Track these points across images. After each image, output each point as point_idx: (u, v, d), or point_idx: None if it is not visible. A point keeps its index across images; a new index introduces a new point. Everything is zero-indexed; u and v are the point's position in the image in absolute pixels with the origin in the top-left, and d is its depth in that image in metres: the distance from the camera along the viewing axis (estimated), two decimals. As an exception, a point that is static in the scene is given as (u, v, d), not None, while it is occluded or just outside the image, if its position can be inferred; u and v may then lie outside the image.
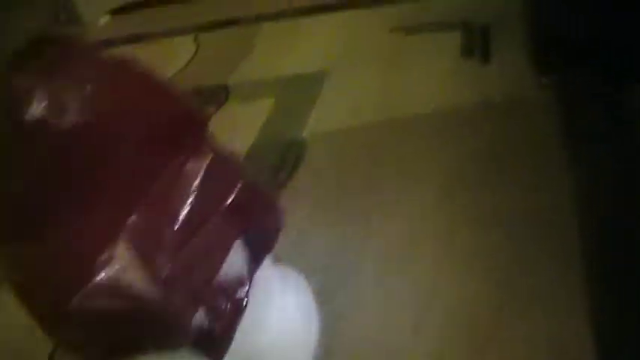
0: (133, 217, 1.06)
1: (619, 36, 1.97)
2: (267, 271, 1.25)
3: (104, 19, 3.40)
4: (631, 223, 1.52)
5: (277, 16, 2.95)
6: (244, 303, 1.16)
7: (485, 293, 1.48)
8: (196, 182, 1.12)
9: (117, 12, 3.41)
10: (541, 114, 1.95)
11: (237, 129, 2.21)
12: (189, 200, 1.11)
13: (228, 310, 1.13)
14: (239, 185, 1.17)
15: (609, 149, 1.76)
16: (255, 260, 1.22)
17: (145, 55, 2.94)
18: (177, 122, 1.17)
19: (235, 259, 1.17)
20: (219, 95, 2.42)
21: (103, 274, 1.01)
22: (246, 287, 1.17)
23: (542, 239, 1.55)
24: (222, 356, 1.13)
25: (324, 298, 1.50)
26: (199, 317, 1.10)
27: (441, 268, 1.56)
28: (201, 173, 1.13)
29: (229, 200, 1.16)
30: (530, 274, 1.49)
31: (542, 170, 1.75)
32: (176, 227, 1.09)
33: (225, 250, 1.15)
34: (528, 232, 1.58)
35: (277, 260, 1.38)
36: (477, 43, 2.38)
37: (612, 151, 1.75)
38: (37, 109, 1.01)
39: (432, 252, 1.62)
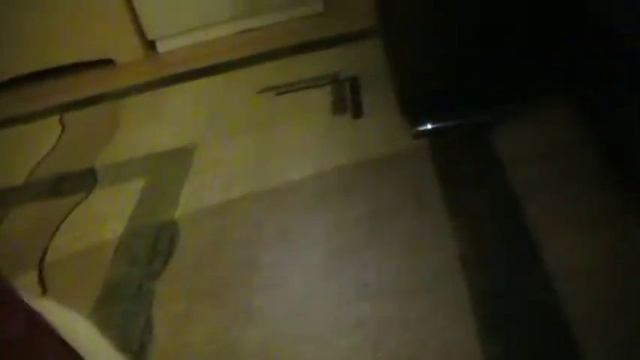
0: None
1: (479, 78, 2.00)
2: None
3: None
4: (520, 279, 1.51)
5: (142, 88, 2.86)
6: None
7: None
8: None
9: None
10: (416, 165, 1.94)
11: (106, 216, 2.08)
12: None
13: None
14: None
15: (485, 195, 1.76)
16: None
17: (9, 140, 2.80)
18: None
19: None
20: (86, 181, 2.29)
21: None
22: None
23: (432, 299, 1.51)
24: None
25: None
26: None
27: (327, 340, 1.49)
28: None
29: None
30: (418, 342, 1.43)
31: (425, 226, 1.72)
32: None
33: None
34: (415, 296, 1.53)
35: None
36: (348, 97, 2.36)
37: (488, 196, 1.75)
38: None
39: (319, 323, 1.54)
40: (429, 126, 2.06)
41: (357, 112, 2.26)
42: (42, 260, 1.98)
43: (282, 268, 1.72)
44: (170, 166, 2.25)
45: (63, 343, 0.91)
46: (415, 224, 1.74)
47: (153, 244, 1.89)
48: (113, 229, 2.00)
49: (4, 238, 2.20)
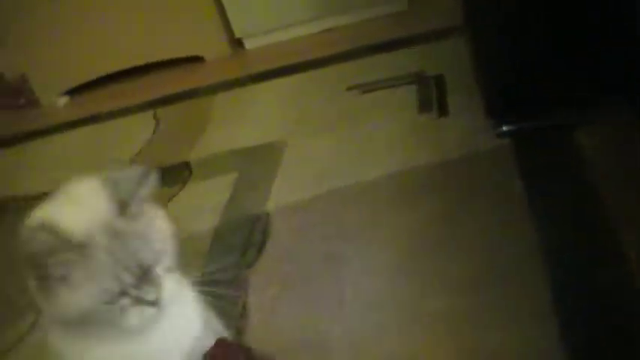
0: None
1: (564, 81, 2.02)
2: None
3: (62, 101, 3.40)
4: (598, 273, 1.54)
5: (230, 85, 2.97)
6: None
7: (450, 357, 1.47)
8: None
9: (74, 92, 3.40)
10: (499, 165, 1.97)
11: (202, 208, 2.19)
12: None
13: None
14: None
15: (567, 195, 1.78)
16: None
17: (107, 134, 2.94)
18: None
19: None
20: (182, 173, 2.41)
21: None
22: None
23: (509, 299, 1.54)
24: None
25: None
26: None
27: (410, 341, 1.54)
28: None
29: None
30: (497, 338, 1.47)
31: (506, 224, 1.75)
32: None
33: None
34: (493, 292, 1.57)
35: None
36: (433, 95, 2.40)
37: (570, 197, 1.77)
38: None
39: (398, 314, 1.60)
40: (513, 126, 2.09)
41: (443, 111, 2.30)
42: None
43: (364, 262, 1.79)
44: (261, 162, 2.34)
45: None
46: (495, 223, 1.77)
47: (248, 235, 1.99)
48: (208, 220, 2.10)
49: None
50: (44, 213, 0.96)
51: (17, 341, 1.97)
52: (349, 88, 2.60)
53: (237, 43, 3.30)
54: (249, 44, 3.28)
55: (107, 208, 0.95)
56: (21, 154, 3.05)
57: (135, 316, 0.95)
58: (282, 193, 2.14)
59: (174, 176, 2.41)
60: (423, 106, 2.37)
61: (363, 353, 1.54)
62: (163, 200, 2.28)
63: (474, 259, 1.68)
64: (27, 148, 3.07)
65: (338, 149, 2.28)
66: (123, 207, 0.95)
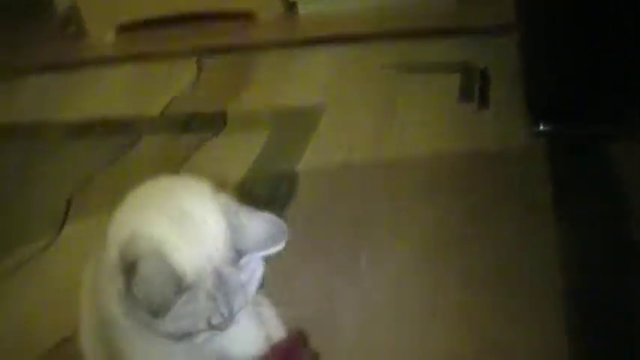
0: None
1: (608, 90, 2.02)
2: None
3: (110, 36, 3.42)
4: (617, 285, 1.55)
5: (278, 45, 2.99)
6: None
7: (468, 349, 1.49)
8: None
9: (123, 30, 3.43)
10: (534, 165, 1.97)
11: (231, 158, 2.22)
12: None
13: None
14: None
15: (598, 208, 1.78)
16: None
17: (149, 74, 2.97)
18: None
19: None
20: (216, 123, 2.43)
21: None
22: None
23: (528, 298, 1.56)
24: None
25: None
26: None
27: (425, 321, 1.56)
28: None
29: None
30: (514, 334, 1.49)
31: (532, 226, 1.76)
32: None
33: None
34: (513, 290, 1.59)
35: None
36: (476, 87, 2.40)
37: (601, 211, 1.77)
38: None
39: (417, 303, 1.62)
40: (551, 128, 2.10)
41: (483, 103, 2.31)
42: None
43: (385, 243, 1.81)
44: (297, 124, 2.36)
45: None
46: (520, 221, 1.78)
47: (273, 190, 2.02)
48: (236, 171, 2.13)
49: (133, 161, 2.37)
50: (156, 233, 0.91)
51: (20, 264, 2.05)
52: (394, 67, 2.61)
53: (290, 7, 3.30)
54: (302, 9, 3.28)
55: (222, 253, 0.91)
56: (67, 80, 3.07)
57: (203, 338, 0.95)
58: (313, 157, 2.17)
59: (209, 124, 2.44)
60: (464, 95, 2.38)
61: (373, 335, 1.56)
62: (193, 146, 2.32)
63: (496, 256, 1.69)
64: (73, 76, 3.09)
65: (374, 124, 2.29)
66: (237, 258, 0.91)
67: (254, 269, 0.95)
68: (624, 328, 1.45)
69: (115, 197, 2.21)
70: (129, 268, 0.88)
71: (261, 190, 2.03)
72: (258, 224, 0.94)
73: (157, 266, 0.87)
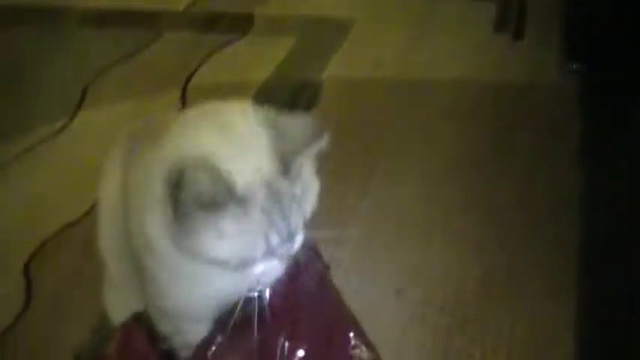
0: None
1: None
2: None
3: None
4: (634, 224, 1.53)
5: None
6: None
7: (472, 272, 1.48)
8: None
9: None
10: (562, 103, 1.93)
11: (254, 62, 2.17)
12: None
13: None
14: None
15: (623, 149, 1.75)
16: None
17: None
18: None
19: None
20: (242, 24, 2.37)
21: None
22: None
23: (539, 228, 1.55)
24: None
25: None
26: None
27: (431, 244, 1.55)
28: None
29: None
30: (520, 262, 1.49)
31: (553, 159, 1.74)
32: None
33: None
34: (525, 220, 1.58)
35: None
36: (512, 18, 2.33)
37: (625, 153, 1.74)
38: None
39: (425, 225, 1.60)
40: (585, 68, 2.04)
41: (518, 34, 2.24)
42: (187, 81, 2.10)
43: (402, 163, 1.78)
44: (325, 34, 2.30)
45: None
46: (542, 153, 1.76)
47: (294, 96, 1.98)
48: (258, 73, 2.09)
49: (154, 55, 2.32)
50: (204, 144, 0.87)
51: (32, 147, 2.03)
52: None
53: None
54: None
55: (270, 164, 0.86)
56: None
57: (261, 266, 0.91)
58: (338, 69, 2.12)
59: (234, 26, 2.38)
60: (500, 25, 2.31)
61: (379, 250, 1.55)
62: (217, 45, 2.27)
63: (511, 189, 1.67)
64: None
65: (404, 43, 2.24)
66: (285, 167, 0.86)
67: (307, 182, 0.90)
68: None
69: (130, 90, 2.21)
70: (175, 182, 0.83)
71: (283, 97, 1.98)
72: (296, 125, 0.90)
73: (205, 172, 0.83)
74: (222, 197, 0.82)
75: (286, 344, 1.04)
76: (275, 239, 0.87)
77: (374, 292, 1.43)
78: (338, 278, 1.20)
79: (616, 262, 1.46)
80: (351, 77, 2.07)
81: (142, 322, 1.11)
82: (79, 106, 2.19)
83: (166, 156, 0.88)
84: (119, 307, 1.18)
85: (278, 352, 1.04)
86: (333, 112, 1.92)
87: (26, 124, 2.14)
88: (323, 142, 0.89)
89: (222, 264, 0.88)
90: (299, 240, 0.93)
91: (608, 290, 1.41)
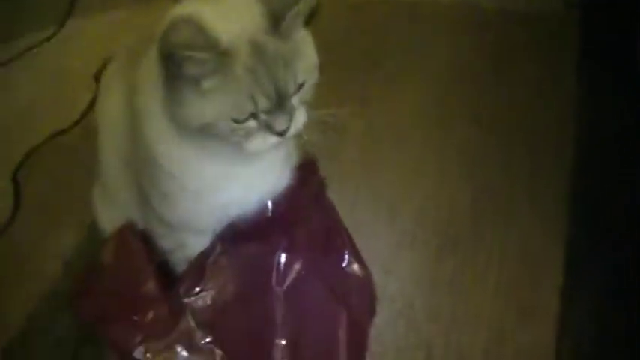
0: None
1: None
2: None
3: None
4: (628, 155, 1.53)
5: None
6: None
7: (464, 194, 1.49)
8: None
9: None
10: (562, 33, 1.90)
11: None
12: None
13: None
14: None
15: (620, 79, 1.74)
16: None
17: None
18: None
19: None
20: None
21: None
22: None
23: (534, 149, 1.56)
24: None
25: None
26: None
27: (425, 162, 1.55)
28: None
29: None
30: (513, 185, 1.49)
31: (549, 82, 1.72)
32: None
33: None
34: (522, 138, 1.58)
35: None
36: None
37: (622, 84, 1.73)
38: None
39: (420, 139, 1.60)
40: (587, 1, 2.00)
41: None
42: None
43: (398, 81, 1.76)
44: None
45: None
46: (539, 75, 1.74)
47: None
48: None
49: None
50: (193, 8, 0.87)
51: (22, 53, 1.99)
52: None
53: None
54: None
55: (258, 22, 0.85)
56: None
57: (258, 142, 0.89)
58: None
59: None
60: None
61: (374, 166, 1.55)
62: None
63: (508, 103, 1.67)
64: None
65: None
66: (274, 24, 0.85)
67: (297, 44, 0.88)
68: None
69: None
70: (162, 37, 0.83)
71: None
72: None
73: (189, 25, 0.83)
74: (203, 49, 0.82)
75: (283, 256, 1.04)
76: (262, 101, 0.86)
77: (367, 210, 1.43)
78: (332, 193, 1.19)
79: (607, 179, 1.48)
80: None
81: (136, 231, 1.11)
82: (68, 14, 2.14)
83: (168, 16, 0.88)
84: (111, 217, 1.18)
85: (275, 264, 1.04)
86: (330, 31, 1.87)
87: (15, 31, 2.08)
88: None
89: (211, 131, 0.87)
90: (299, 119, 0.92)
91: (602, 204, 1.43)
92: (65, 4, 2.16)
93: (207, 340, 1.03)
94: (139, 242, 1.07)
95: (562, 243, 1.34)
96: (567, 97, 1.68)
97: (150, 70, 0.92)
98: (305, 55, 0.90)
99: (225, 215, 1.02)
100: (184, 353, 1.02)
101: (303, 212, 1.07)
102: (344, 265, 1.12)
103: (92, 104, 1.79)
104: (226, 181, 0.97)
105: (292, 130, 0.91)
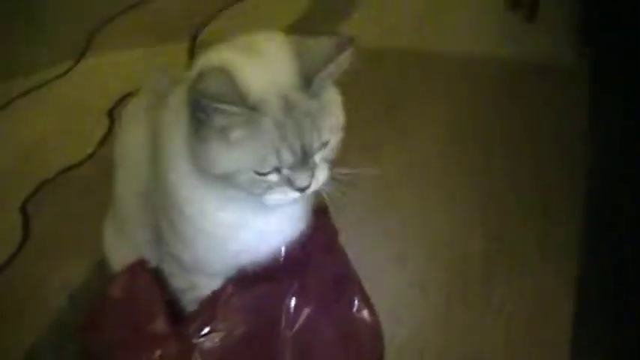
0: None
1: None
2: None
3: None
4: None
5: None
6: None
7: (476, 236, 1.50)
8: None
9: None
10: (572, 84, 1.92)
11: (267, 18, 2.15)
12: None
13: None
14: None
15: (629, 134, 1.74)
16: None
17: None
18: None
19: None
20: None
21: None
22: None
23: (545, 194, 1.57)
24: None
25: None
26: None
27: (437, 205, 1.57)
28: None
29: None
30: (525, 226, 1.50)
31: (558, 128, 1.77)
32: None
33: None
34: (533, 184, 1.60)
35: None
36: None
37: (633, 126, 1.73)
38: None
39: (433, 188, 1.61)
40: (597, 50, 2.02)
41: (531, 14, 2.22)
42: (197, 33, 2.08)
43: (410, 127, 1.77)
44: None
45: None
46: (550, 123, 1.78)
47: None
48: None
49: (164, 3, 2.30)
50: (225, 57, 0.87)
51: (35, 87, 2.01)
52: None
53: None
54: None
55: (290, 78, 0.86)
56: None
57: (278, 195, 0.89)
58: (351, 31, 2.11)
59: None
60: (513, 3, 2.28)
61: (380, 218, 1.54)
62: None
63: (519, 153, 1.70)
64: None
65: (416, 13, 2.23)
66: (306, 82, 0.85)
67: (325, 103, 0.89)
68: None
69: (137, 38, 2.18)
70: (192, 86, 0.84)
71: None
72: (322, 41, 0.89)
73: (221, 74, 0.84)
74: (233, 103, 0.82)
75: (293, 300, 1.04)
76: (287, 156, 0.86)
77: (376, 257, 1.43)
78: (343, 238, 1.19)
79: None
80: (365, 44, 2.04)
81: (147, 268, 1.10)
82: (85, 50, 2.17)
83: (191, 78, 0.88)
84: (122, 252, 1.18)
85: (284, 308, 1.04)
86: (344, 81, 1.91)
87: (30, 65, 2.12)
88: (347, 57, 0.87)
89: (233, 180, 0.87)
90: (321, 176, 0.92)
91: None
92: (82, 40, 2.20)
93: (215, 381, 1.02)
94: (150, 278, 1.07)
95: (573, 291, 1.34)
96: (577, 144, 1.69)
97: (176, 113, 0.93)
98: (332, 114, 0.90)
99: (239, 261, 1.02)
100: (191, 394, 1.01)
101: (315, 258, 1.07)
102: (354, 310, 1.12)
103: (105, 139, 1.82)
104: (243, 230, 0.98)
105: (313, 187, 0.91)
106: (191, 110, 0.86)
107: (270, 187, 0.89)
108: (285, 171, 0.88)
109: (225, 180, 0.88)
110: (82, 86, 2.04)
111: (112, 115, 1.90)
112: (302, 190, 0.90)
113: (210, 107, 0.82)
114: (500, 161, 1.67)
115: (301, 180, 0.89)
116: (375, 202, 1.56)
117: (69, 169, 1.74)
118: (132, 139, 1.07)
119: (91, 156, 1.77)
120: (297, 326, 1.05)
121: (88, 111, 1.93)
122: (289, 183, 0.89)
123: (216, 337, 1.02)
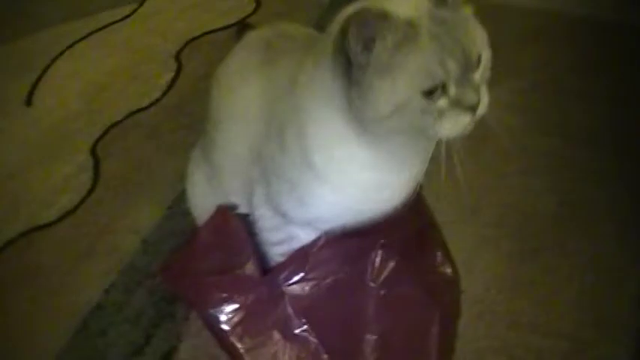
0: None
1: None
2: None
3: None
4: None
5: None
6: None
7: (549, 199, 1.49)
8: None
9: None
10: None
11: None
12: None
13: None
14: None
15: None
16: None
17: None
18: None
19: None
20: None
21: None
22: None
23: (620, 157, 1.55)
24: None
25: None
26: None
27: (509, 165, 1.55)
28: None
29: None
30: (597, 192, 1.49)
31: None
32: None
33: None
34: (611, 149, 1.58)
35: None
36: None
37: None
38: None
39: (506, 149, 1.56)
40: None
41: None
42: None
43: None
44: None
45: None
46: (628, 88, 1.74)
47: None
48: None
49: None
50: (362, 4, 0.90)
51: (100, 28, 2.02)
52: None
53: None
54: None
55: (426, 3, 0.88)
56: None
57: (450, 123, 0.89)
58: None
59: None
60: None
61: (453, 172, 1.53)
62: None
63: (593, 117, 1.67)
64: None
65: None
66: (442, 2, 0.88)
67: (468, 16, 0.90)
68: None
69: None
70: (343, 27, 0.87)
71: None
72: None
73: (369, 9, 0.86)
74: (387, 27, 0.85)
75: (379, 254, 1.05)
76: (452, 65, 0.87)
77: (450, 210, 1.43)
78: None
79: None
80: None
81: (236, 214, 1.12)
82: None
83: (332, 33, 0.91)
84: (208, 200, 1.19)
85: (370, 261, 1.05)
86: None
87: (96, 5, 2.12)
88: None
89: (401, 117, 0.88)
90: (485, 97, 0.92)
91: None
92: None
93: (303, 328, 1.04)
94: (240, 224, 1.08)
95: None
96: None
97: (312, 76, 0.94)
98: (477, 27, 0.91)
99: (359, 218, 1.04)
100: (280, 339, 1.04)
101: (401, 212, 1.08)
102: (436, 264, 1.13)
103: (173, 84, 1.82)
104: (382, 189, 1.00)
105: (481, 108, 0.91)
106: (344, 58, 0.88)
107: (440, 114, 0.89)
108: (452, 90, 0.88)
109: (392, 121, 0.89)
110: (146, 29, 2.04)
111: (178, 58, 1.90)
112: (472, 109, 0.89)
113: (370, 35, 0.84)
114: (574, 124, 1.65)
115: (470, 97, 0.88)
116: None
117: (136, 112, 1.75)
118: (242, 95, 1.08)
119: (158, 100, 1.78)
120: (381, 278, 1.06)
121: (153, 54, 1.93)
122: (458, 104, 0.89)
123: (306, 286, 1.04)
